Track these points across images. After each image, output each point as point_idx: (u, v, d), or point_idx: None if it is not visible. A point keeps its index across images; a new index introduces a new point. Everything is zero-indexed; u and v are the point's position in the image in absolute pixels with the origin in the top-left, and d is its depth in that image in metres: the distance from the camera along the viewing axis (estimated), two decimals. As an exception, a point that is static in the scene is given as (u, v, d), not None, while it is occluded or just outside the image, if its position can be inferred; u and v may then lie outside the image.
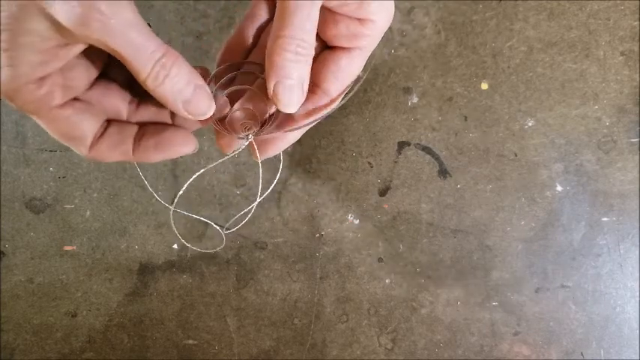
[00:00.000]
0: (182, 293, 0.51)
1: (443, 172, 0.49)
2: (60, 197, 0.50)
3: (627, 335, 0.49)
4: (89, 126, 0.26)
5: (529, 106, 0.48)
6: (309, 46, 0.25)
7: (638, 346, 0.49)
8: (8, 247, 0.50)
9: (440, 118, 0.49)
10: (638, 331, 0.49)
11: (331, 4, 0.26)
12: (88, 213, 0.50)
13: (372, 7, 0.26)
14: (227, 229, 0.50)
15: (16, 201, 0.50)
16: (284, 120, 0.30)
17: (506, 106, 0.48)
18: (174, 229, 0.50)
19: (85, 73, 0.25)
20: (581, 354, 0.50)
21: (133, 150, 0.27)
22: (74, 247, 0.50)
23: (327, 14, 0.27)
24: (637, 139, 0.48)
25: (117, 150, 0.27)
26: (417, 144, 0.49)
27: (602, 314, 0.49)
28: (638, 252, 0.49)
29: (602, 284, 0.49)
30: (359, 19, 0.26)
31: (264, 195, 0.45)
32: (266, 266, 0.50)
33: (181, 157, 0.49)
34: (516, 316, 0.50)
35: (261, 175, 0.35)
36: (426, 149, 0.49)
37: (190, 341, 0.51)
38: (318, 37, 0.29)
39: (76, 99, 0.25)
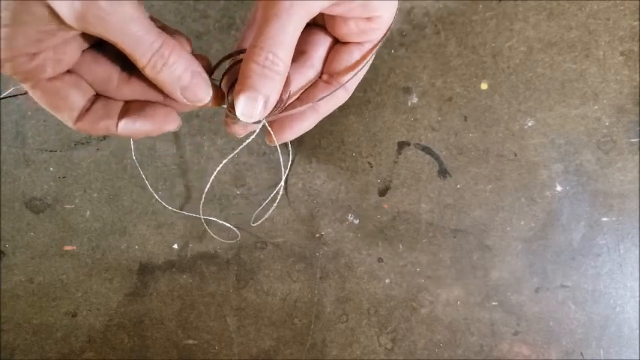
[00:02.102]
0: (182, 293, 0.51)
1: (443, 172, 0.49)
2: (60, 197, 0.50)
3: (627, 335, 0.49)
4: (77, 99, 0.26)
5: (529, 106, 0.48)
6: (280, 61, 0.25)
7: (638, 346, 0.49)
8: (8, 247, 0.50)
9: (440, 118, 0.49)
10: (638, 331, 0.49)
11: (337, 11, 0.27)
12: (88, 213, 0.50)
13: (376, 5, 0.27)
14: (252, 222, 0.50)
15: (16, 201, 0.50)
16: (298, 104, 0.31)
17: (506, 106, 0.48)
18: (212, 233, 0.50)
19: (78, 47, 0.26)
20: (581, 354, 0.50)
21: (117, 125, 0.28)
22: (74, 247, 0.50)
23: (335, 17, 0.28)
24: (637, 139, 0.48)
25: (101, 124, 0.27)
26: (417, 144, 0.49)
27: (602, 314, 0.49)
28: (637, 252, 0.49)
29: (601, 284, 0.49)
30: (366, 18, 0.27)
31: (280, 185, 0.45)
32: (266, 266, 0.50)
33: (181, 157, 0.50)
34: (516, 316, 0.50)
35: (289, 155, 0.35)
36: (426, 149, 0.49)
37: (190, 341, 0.51)
38: (329, 33, 0.30)
39: (67, 71, 0.26)
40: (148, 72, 0.25)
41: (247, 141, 0.31)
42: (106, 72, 0.27)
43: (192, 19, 0.48)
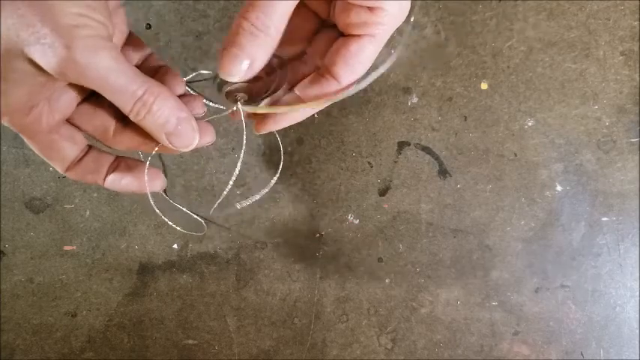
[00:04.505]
0: (182, 293, 0.51)
1: (443, 172, 0.49)
2: (60, 197, 0.50)
3: (627, 335, 0.49)
4: (70, 151, 0.28)
5: (529, 106, 0.48)
6: (272, 24, 0.25)
7: (637, 346, 0.49)
8: (8, 246, 0.50)
9: (440, 118, 0.49)
10: (637, 331, 0.49)
11: None
12: (88, 213, 0.50)
13: None
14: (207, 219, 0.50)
15: (16, 201, 0.50)
16: (290, 99, 0.30)
17: (506, 106, 0.48)
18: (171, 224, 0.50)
19: (71, 98, 0.27)
20: (581, 354, 0.50)
21: (105, 178, 0.29)
22: (74, 247, 0.50)
23: (341, 4, 0.27)
24: (637, 139, 0.48)
25: (90, 176, 0.29)
26: (417, 144, 0.49)
27: (602, 314, 0.49)
28: (637, 252, 0.49)
29: (601, 284, 0.49)
30: (369, 7, 0.26)
31: (265, 190, 0.45)
32: (266, 266, 0.50)
33: (181, 156, 0.50)
34: (516, 316, 0.50)
35: (243, 151, 0.35)
36: (426, 149, 0.49)
37: (190, 341, 0.51)
38: (336, 27, 0.29)
39: (63, 122, 0.27)
40: (133, 119, 0.26)
41: (242, 149, 0.32)
42: (102, 122, 0.28)
43: (192, 19, 0.48)
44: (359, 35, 0.28)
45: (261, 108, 0.30)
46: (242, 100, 0.29)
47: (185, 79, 0.43)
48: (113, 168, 0.29)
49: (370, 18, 0.27)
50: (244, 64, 0.26)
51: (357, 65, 0.29)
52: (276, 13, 0.25)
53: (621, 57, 0.47)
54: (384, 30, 0.28)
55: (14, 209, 0.50)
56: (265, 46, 0.26)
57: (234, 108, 0.29)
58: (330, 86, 0.29)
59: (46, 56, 0.22)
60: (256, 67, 0.26)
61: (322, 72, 0.29)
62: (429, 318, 0.50)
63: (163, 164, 0.35)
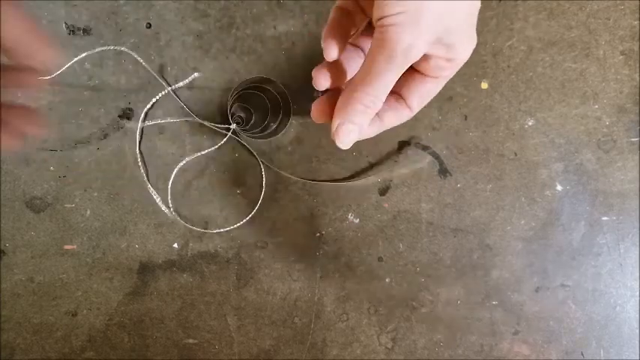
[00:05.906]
0: (182, 292, 0.51)
1: (443, 172, 0.49)
2: (60, 196, 0.50)
3: (627, 335, 0.49)
4: None
5: (529, 106, 0.48)
6: (380, 102, 0.29)
7: (638, 346, 0.49)
8: (8, 246, 0.51)
9: (440, 117, 0.49)
10: (638, 331, 0.49)
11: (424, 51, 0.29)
12: (89, 212, 0.50)
13: (459, 48, 0.29)
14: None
15: (16, 200, 0.50)
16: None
17: (506, 106, 0.48)
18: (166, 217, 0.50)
19: None
20: (581, 353, 0.50)
21: None
22: (74, 247, 0.50)
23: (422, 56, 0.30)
24: (637, 139, 0.48)
25: None
26: (417, 143, 0.49)
27: (602, 313, 0.49)
28: (638, 251, 0.49)
29: (602, 283, 0.49)
30: (447, 59, 0.30)
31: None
32: (266, 265, 0.50)
33: (181, 156, 0.50)
34: (516, 316, 0.50)
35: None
36: (426, 148, 0.49)
37: (190, 340, 0.51)
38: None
39: None
40: None
41: (212, 148, 0.33)
42: None
43: (192, 19, 0.48)
44: (435, 77, 0.32)
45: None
46: (239, 121, 0.32)
47: (183, 82, 0.44)
48: None
49: (446, 65, 0.30)
50: (356, 134, 0.31)
51: (428, 99, 0.33)
52: (386, 93, 0.29)
53: (621, 56, 0.47)
54: (454, 71, 0.31)
55: (14, 208, 0.50)
56: (373, 114, 0.30)
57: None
58: (404, 110, 0.33)
59: None
60: (364, 130, 0.31)
61: (398, 98, 0.33)
62: (429, 317, 0.50)
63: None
